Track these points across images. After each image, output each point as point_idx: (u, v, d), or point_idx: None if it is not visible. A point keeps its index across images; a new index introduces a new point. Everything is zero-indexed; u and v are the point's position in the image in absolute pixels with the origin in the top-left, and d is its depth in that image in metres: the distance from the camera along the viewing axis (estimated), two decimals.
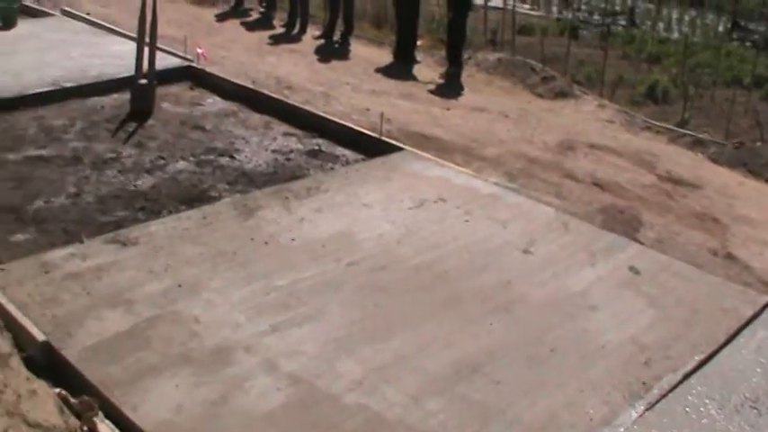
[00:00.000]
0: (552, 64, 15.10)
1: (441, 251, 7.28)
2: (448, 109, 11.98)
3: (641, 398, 5.40)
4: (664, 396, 5.45)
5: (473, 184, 8.82)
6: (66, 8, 16.16)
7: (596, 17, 24.64)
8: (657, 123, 12.45)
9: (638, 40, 19.03)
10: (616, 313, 6.43)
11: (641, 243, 7.87)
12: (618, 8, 24.67)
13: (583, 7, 25.09)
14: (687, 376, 5.67)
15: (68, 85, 11.49)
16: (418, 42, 14.92)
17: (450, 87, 13.15)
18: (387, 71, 13.74)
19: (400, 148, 9.67)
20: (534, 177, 9.56)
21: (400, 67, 14.01)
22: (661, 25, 22.24)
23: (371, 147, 9.82)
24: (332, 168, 9.35)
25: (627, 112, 12.64)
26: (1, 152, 9.41)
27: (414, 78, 13.43)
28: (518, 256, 7.29)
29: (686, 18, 22.88)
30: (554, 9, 25.54)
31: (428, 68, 14.02)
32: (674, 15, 23.03)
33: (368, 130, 10.21)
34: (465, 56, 14.13)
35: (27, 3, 16.39)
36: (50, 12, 16.02)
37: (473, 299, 6.55)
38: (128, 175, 8.93)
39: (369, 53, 14.81)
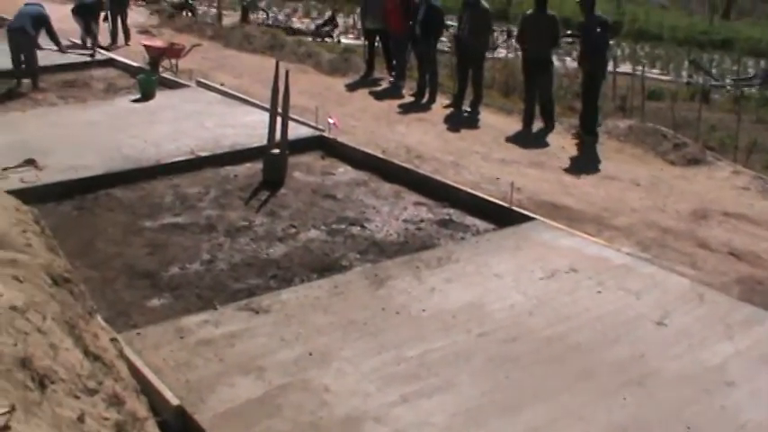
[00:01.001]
0: (683, 130, 14.85)
1: (572, 323, 7.21)
2: (578, 178, 11.90)
3: None
4: None
5: (605, 254, 8.74)
6: (201, 79, 16.73)
7: (728, 80, 24.22)
8: None
9: None
10: (756, 390, 6.24)
11: None
12: (751, 70, 24.21)
13: (713, 71, 24.71)
14: None
15: (203, 154, 11.90)
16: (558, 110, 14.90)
17: (580, 155, 13.07)
18: (516, 139, 13.75)
19: (531, 218, 9.66)
20: (667, 247, 9.41)
21: (530, 135, 14.00)
22: None
23: (502, 216, 9.84)
24: (462, 238, 9.39)
25: (763, 178, 12.31)
26: (139, 219, 9.79)
27: (544, 146, 13.39)
28: (652, 329, 7.16)
29: None
30: (684, 73, 25.23)
31: (558, 136, 13.96)
32: None
33: (498, 199, 10.24)
34: (597, 123, 14.03)
35: (165, 75, 17.04)
36: (186, 83, 16.62)
37: (606, 372, 6.46)
38: (260, 243, 9.15)
39: (498, 121, 14.85)
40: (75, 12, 19.99)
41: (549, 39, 14.29)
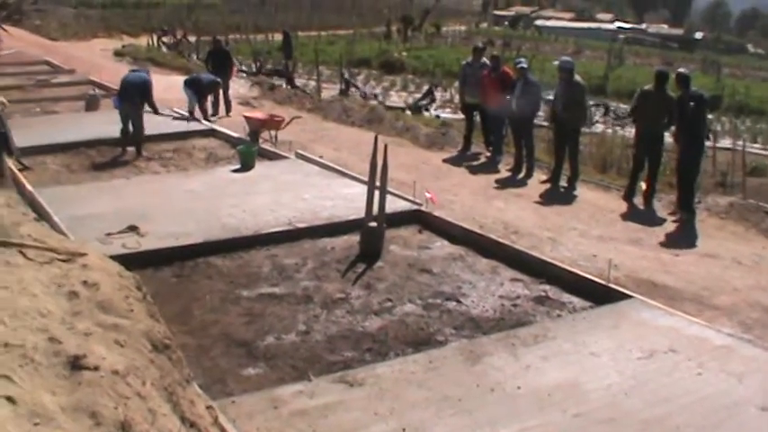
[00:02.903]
0: None
1: (671, 405, 7.03)
2: (677, 255, 11.70)
3: None
4: None
5: (705, 334, 8.53)
6: (300, 151, 16.94)
7: None
8: None
9: None
10: None
11: None
12: None
13: None
14: None
15: (301, 225, 12.00)
16: (644, 185, 14.73)
17: (679, 232, 12.86)
18: (614, 215, 13.59)
19: (629, 296, 9.51)
20: None
21: (628, 212, 13.84)
22: None
23: (599, 294, 9.70)
24: (559, 315, 9.28)
25: None
26: (236, 288, 9.90)
27: (642, 223, 13.22)
28: (756, 414, 6.95)
29: None
30: None
31: (657, 213, 13.77)
32: None
33: (595, 276, 10.11)
34: (695, 200, 13.83)
35: (264, 146, 17.33)
36: (285, 155, 16.85)
37: None
38: (356, 315, 9.16)
39: (596, 197, 14.73)
40: (189, 85, 20.56)
41: (664, 117, 14.20)
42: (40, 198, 12.61)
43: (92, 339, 4.50)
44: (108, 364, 4.27)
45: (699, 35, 79.71)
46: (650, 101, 14.32)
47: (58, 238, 6.72)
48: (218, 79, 21.11)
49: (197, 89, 20.32)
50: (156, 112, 17.31)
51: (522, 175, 16.25)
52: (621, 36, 64.50)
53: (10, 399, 3.60)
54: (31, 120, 20.78)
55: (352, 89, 29.49)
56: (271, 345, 8.40)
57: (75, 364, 4.15)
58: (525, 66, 16.98)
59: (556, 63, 16.44)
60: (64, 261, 5.47)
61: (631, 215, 13.66)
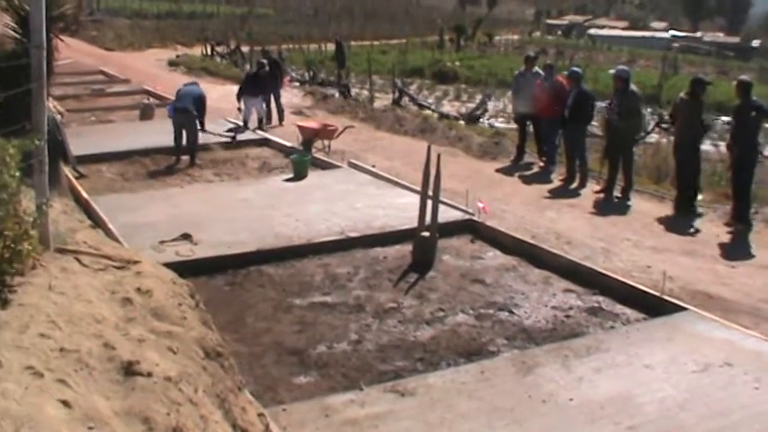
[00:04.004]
0: None
1: (727, 420, 6.93)
2: (733, 267, 11.54)
3: None
4: None
5: (762, 347, 8.39)
6: (353, 161, 17.00)
7: None
8: None
9: None
10: None
11: None
12: None
13: None
14: None
15: (353, 235, 12.02)
16: (700, 196, 14.57)
17: (735, 244, 12.69)
18: (668, 226, 13.45)
19: (683, 308, 9.40)
20: None
21: (682, 222, 13.68)
22: None
23: (653, 305, 9.59)
24: (612, 327, 9.19)
25: None
26: (289, 297, 9.93)
27: (697, 234, 13.06)
28: None
29: None
30: None
31: (712, 224, 13.60)
32: None
33: (649, 288, 9.99)
34: (751, 211, 13.63)
35: (317, 155, 17.40)
36: (338, 164, 16.92)
37: None
38: (408, 325, 9.15)
39: (649, 208, 14.57)
40: (246, 86, 20.88)
41: (697, 125, 14.04)
42: (96, 206, 12.77)
43: (145, 346, 4.54)
44: (161, 371, 4.30)
45: (756, 43, 78.64)
46: (683, 110, 14.21)
47: (113, 245, 6.79)
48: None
49: (256, 88, 20.68)
50: (202, 128, 17.36)
51: (575, 185, 16.13)
52: (676, 45, 63.85)
53: (65, 402, 3.64)
54: (87, 129, 21.07)
55: (405, 98, 29.49)
56: (322, 353, 8.42)
57: (129, 369, 4.19)
58: (580, 74, 16.87)
59: (612, 72, 16.31)
60: (118, 268, 5.52)
61: (686, 226, 13.49)
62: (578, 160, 16.32)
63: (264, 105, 21.61)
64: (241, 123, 20.33)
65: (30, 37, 5.48)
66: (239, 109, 20.92)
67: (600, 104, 19.03)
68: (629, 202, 14.94)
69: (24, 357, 3.89)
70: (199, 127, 17.31)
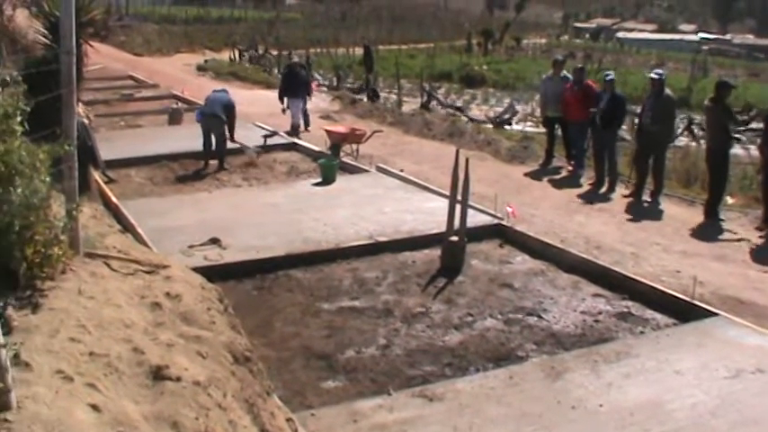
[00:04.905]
0: None
1: (759, 427, 6.87)
2: (765, 272, 11.43)
3: None
4: None
5: None
6: (381, 165, 17.00)
7: None
8: None
9: None
10: None
11: None
12: None
13: None
14: None
15: (382, 239, 12.01)
16: (730, 200, 14.45)
17: (766, 248, 12.56)
18: (698, 231, 13.34)
19: (714, 313, 9.32)
20: None
21: (713, 227, 13.57)
22: None
23: (683, 311, 9.53)
24: (642, 332, 9.12)
25: None
26: (317, 301, 9.94)
27: (728, 239, 12.95)
28: None
29: None
30: None
31: (743, 228, 13.48)
32: None
33: (679, 293, 9.92)
34: None
35: (345, 160, 17.40)
36: (366, 168, 16.91)
37: None
38: (436, 330, 9.13)
39: (679, 212, 14.48)
40: (286, 87, 21.10)
41: (721, 130, 13.96)
42: (125, 210, 12.84)
43: (174, 350, 4.55)
44: (190, 375, 4.30)
45: None
46: (709, 114, 14.13)
47: (142, 249, 6.82)
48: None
49: (296, 89, 20.89)
50: (231, 137, 17.31)
51: (604, 189, 16.04)
52: (705, 47, 63.42)
53: (94, 407, 3.66)
54: (116, 133, 21.20)
55: (433, 102, 29.44)
56: (351, 358, 8.41)
57: (158, 374, 4.20)
58: (613, 78, 16.79)
59: (651, 75, 16.19)
60: (147, 272, 5.55)
61: (717, 231, 13.38)
62: (608, 164, 16.23)
63: (302, 106, 21.76)
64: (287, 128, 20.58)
65: (60, 43, 5.52)
66: (283, 110, 21.35)
67: (632, 108, 18.92)
68: (660, 207, 14.84)
69: (54, 361, 3.91)
70: (228, 136, 17.30)
